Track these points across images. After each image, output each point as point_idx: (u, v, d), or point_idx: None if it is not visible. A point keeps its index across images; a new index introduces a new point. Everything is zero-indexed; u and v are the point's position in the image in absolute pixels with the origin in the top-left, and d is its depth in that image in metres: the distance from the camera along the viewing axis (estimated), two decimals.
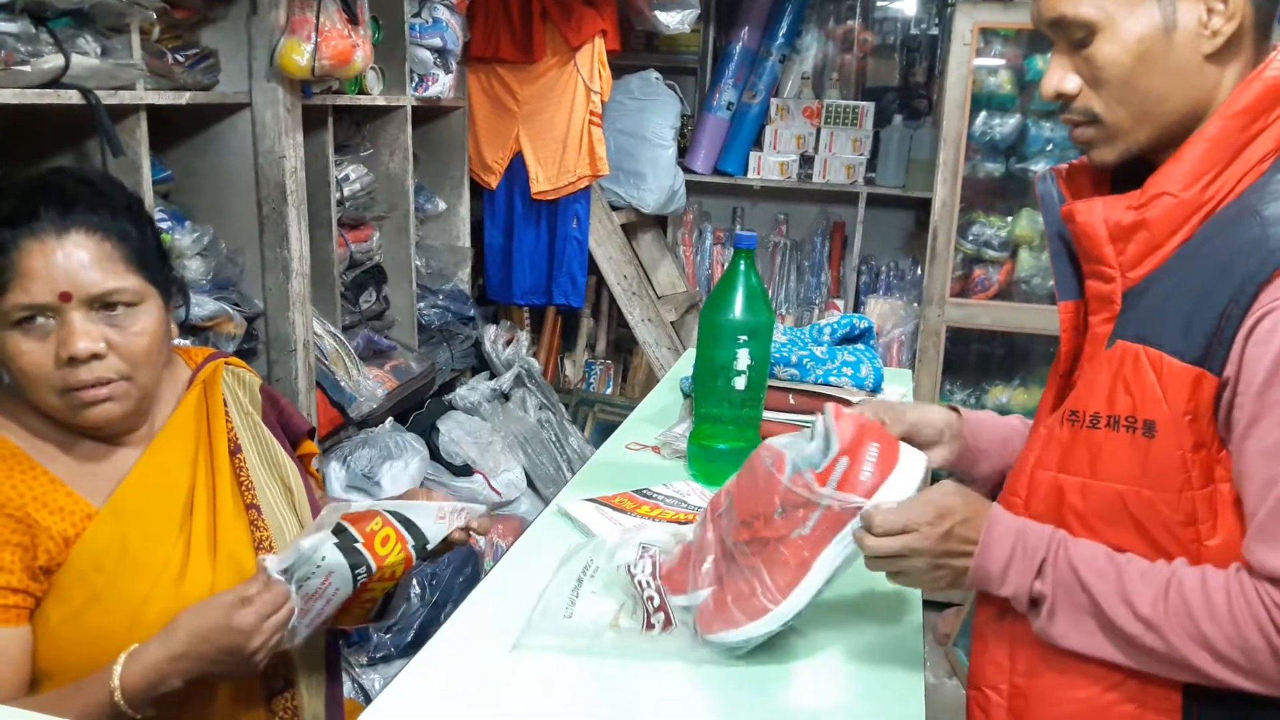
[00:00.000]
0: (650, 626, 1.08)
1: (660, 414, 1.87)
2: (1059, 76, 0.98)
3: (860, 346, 1.82)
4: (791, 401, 1.68)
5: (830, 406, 1.08)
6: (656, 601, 1.09)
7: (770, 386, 1.63)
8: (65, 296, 1.03)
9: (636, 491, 1.44)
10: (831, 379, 1.72)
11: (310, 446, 1.37)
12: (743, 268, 1.46)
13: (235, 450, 1.20)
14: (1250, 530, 0.88)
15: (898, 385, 2.01)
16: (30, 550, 1.03)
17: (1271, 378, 0.85)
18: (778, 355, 1.72)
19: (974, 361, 3.60)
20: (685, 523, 1.34)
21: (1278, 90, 0.92)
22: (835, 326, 1.84)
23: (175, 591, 1.08)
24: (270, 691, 1.18)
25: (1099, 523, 0.95)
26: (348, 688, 2.21)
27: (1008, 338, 3.52)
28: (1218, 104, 0.94)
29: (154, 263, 1.12)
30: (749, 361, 1.46)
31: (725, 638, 1.04)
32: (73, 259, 1.03)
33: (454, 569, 2.55)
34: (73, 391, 1.04)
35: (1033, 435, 1.05)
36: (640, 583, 1.11)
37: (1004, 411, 3.40)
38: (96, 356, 1.04)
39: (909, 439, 1.15)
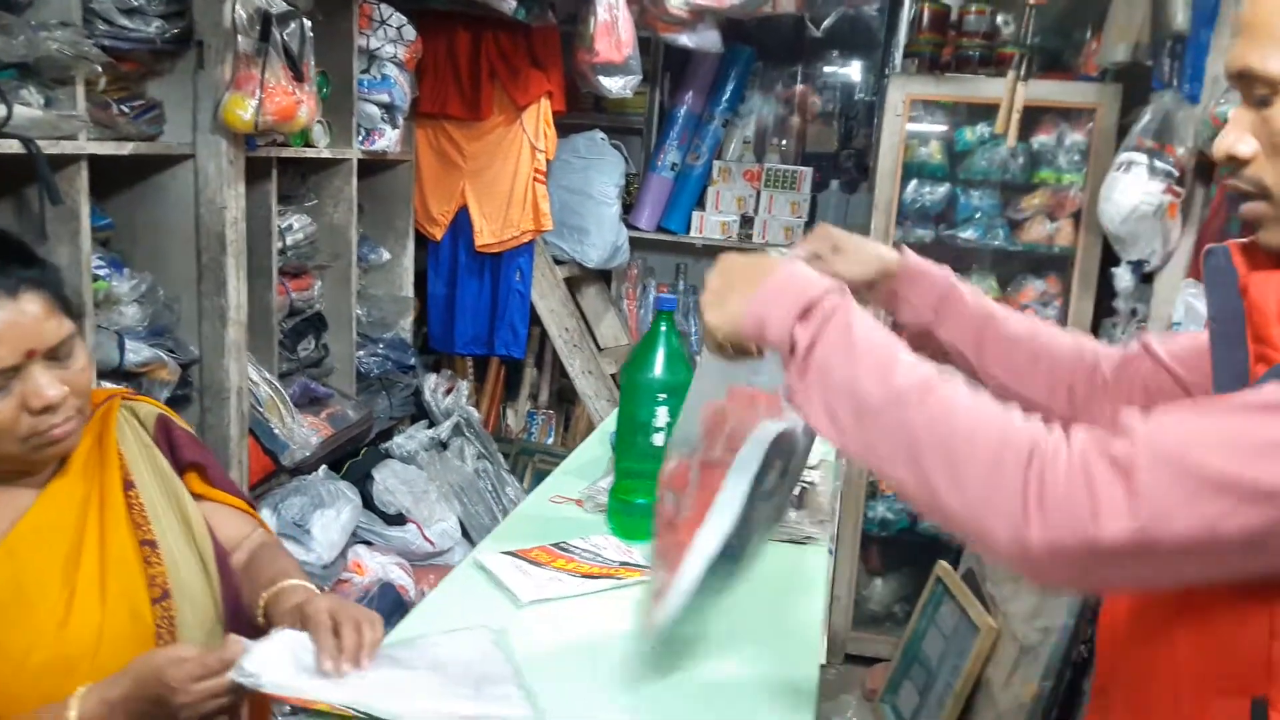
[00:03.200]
0: None
1: (588, 466, 1.91)
2: (1235, 137, 0.85)
3: None
4: None
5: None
6: None
7: None
8: (31, 354, 1.07)
9: (554, 545, 1.48)
10: None
11: (196, 483, 1.33)
12: (663, 329, 1.52)
13: (128, 486, 1.21)
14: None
15: (820, 444, 2.07)
16: None
17: None
18: None
19: None
20: (599, 576, 1.38)
21: None
22: None
23: (58, 636, 1.09)
24: None
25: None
26: None
27: None
28: None
29: (68, 301, 1.16)
30: (668, 419, 1.51)
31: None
32: (28, 316, 1.07)
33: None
34: (39, 435, 1.10)
35: None
36: None
37: None
38: (56, 404, 1.09)
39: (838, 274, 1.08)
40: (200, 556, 1.24)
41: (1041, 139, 3.18)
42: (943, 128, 3.37)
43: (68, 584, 1.12)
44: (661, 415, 1.51)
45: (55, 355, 1.10)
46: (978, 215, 3.30)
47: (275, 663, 1.00)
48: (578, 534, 1.54)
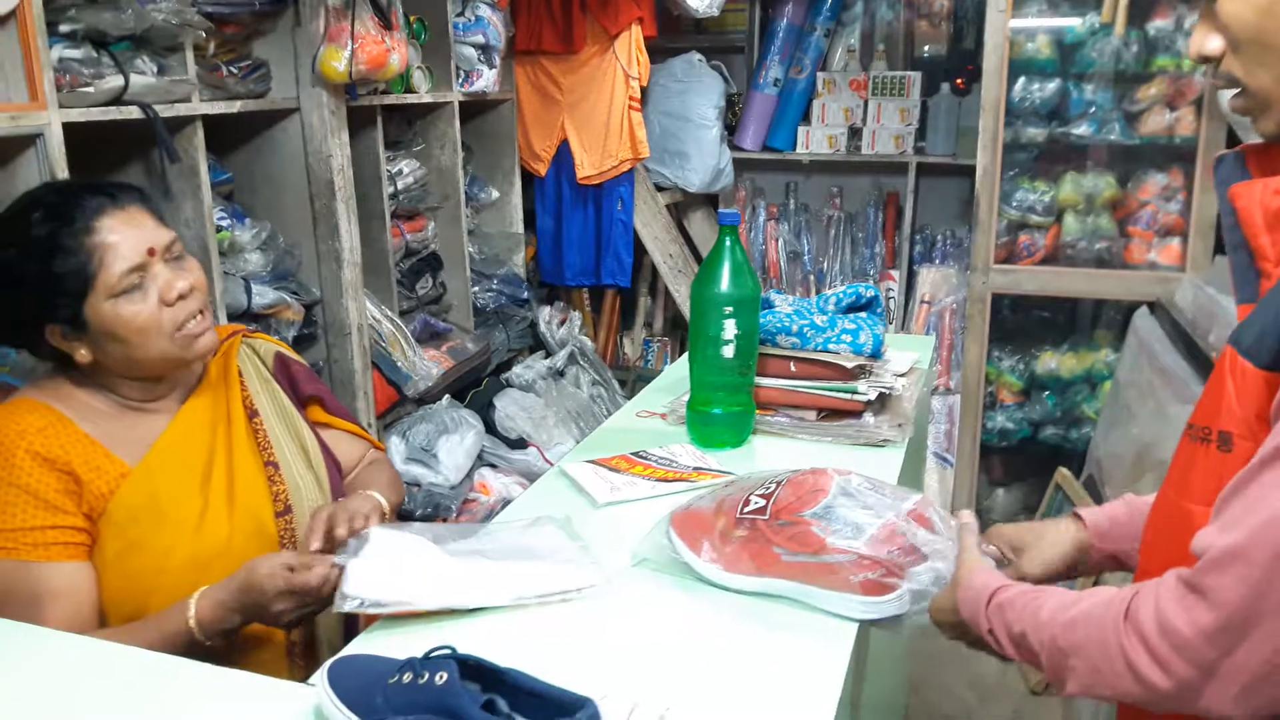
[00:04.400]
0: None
1: (676, 384, 1.98)
2: (1201, 37, 0.90)
3: (863, 315, 1.90)
4: (792, 369, 1.77)
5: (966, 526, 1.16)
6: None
7: (772, 355, 1.74)
8: (151, 251, 1.23)
9: (633, 453, 1.57)
10: (831, 346, 1.80)
11: (317, 413, 1.49)
12: (728, 244, 1.56)
13: (253, 414, 1.37)
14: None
15: (912, 351, 2.07)
16: (79, 498, 1.21)
17: None
18: (781, 325, 1.81)
19: (1024, 327, 3.60)
20: (672, 480, 1.46)
21: None
22: (840, 296, 1.92)
23: (195, 541, 1.26)
24: (289, 625, 1.34)
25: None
26: None
27: (1058, 303, 3.52)
28: None
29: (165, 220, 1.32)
30: (736, 332, 1.56)
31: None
32: (139, 224, 1.24)
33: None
34: (182, 328, 1.25)
35: None
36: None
37: (1055, 378, 3.43)
38: (187, 293, 1.24)
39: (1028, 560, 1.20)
40: (318, 478, 1.40)
41: (1158, 24, 3.01)
42: (1050, 21, 3.22)
43: (201, 497, 1.28)
44: (729, 328, 1.56)
45: (171, 254, 1.25)
46: (1092, 110, 3.16)
47: (370, 584, 1.10)
48: (657, 444, 1.62)
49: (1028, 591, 0.98)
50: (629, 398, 3.73)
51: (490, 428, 3.14)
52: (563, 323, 3.57)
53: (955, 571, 1.08)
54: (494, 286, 3.37)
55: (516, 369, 3.40)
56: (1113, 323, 3.49)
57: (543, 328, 3.55)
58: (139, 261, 1.21)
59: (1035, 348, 3.55)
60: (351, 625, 1.41)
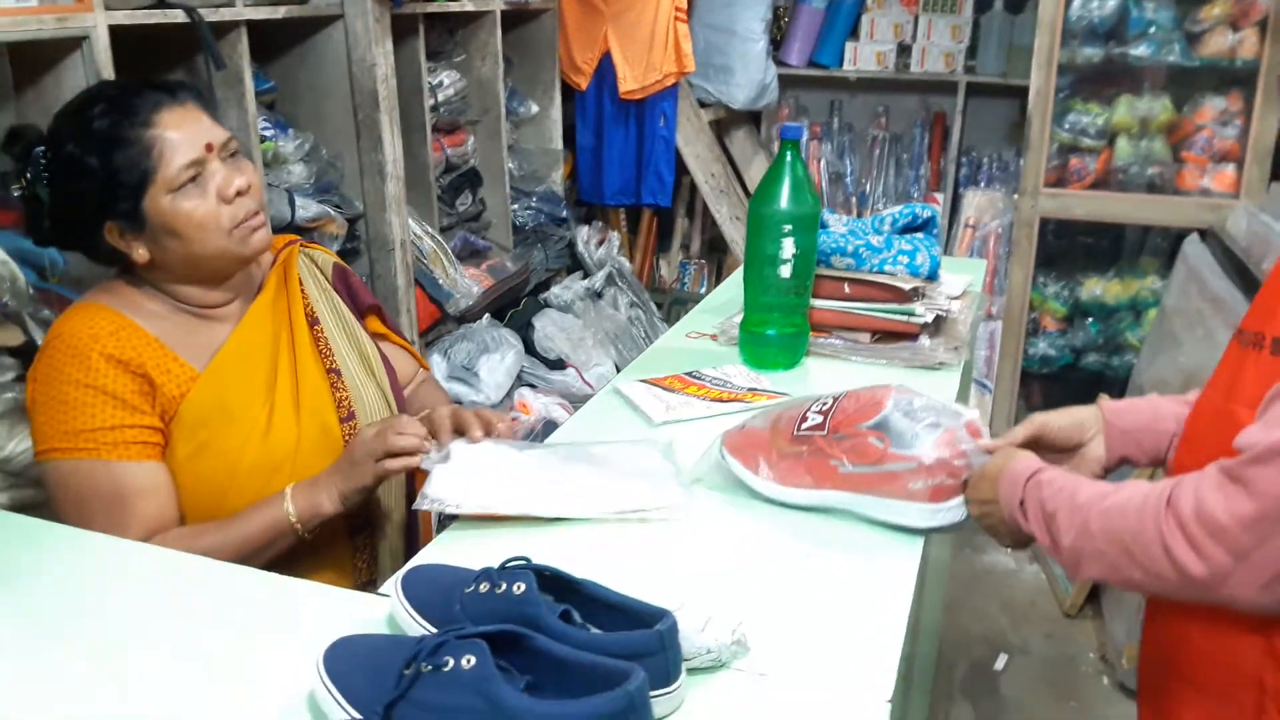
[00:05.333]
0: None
1: (725, 305, 1.96)
2: None
3: (919, 235, 1.86)
4: (847, 290, 1.74)
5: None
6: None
7: (826, 276, 1.71)
8: (209, 147, 1.22)
9: (686, 373, 1.55)
10: (886, 267, 1.77)
11: (375, 324, 1.50)
12: (789, 159, 1.52)
13: (314, 322, 1.37)
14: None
15: (965, 274, 2.04)
16: (153, 400, 1.22)
17: None
18: (835, 245, 1.77)
19: (1070, 253, 3.54)
20: (727, 400, 1.45)
21: None
22: (896, 216, 1.88)
23: (264, 444, 1.27)
24: (353, 529, 1.36)
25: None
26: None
27: (1106, 228, 3.45)
28: None
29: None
30: (794, 251, 1.53)
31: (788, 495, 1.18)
32: (197, 120, 1.23)
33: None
34: (240, 225, 1.24)
35: None
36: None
37: (1099, 305, 3.37)
38: (245, 190, 1.24)
39: (1062, 444, 1.20)
40: (379, 385, 1.40)
41: None
42: None
43: (267, 402, 1.29)
44: (787, 247, 1.53)
45: (227, 150, 1.25)
46: (1152, 30, 3.04)
47: (451, 487, 1.12)
48: (710, 364, 1.61)
49: (1068, 476, 1.03)
50: (666, 320, 3.72)
51: (529, 348, 3.14)
52: (601, 243, 3.54)
53: (997, 457, 1.10)
54: (533, 204, 3.34)
55: (555, 289, 3.38)
56: (1159, 250, 3.41)
57: (580, 248, 3.53)
58: (198, 156, 1.21)
59: (1080, 274, 3.49)
60: (412, 540, 1.43)
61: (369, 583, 1.38)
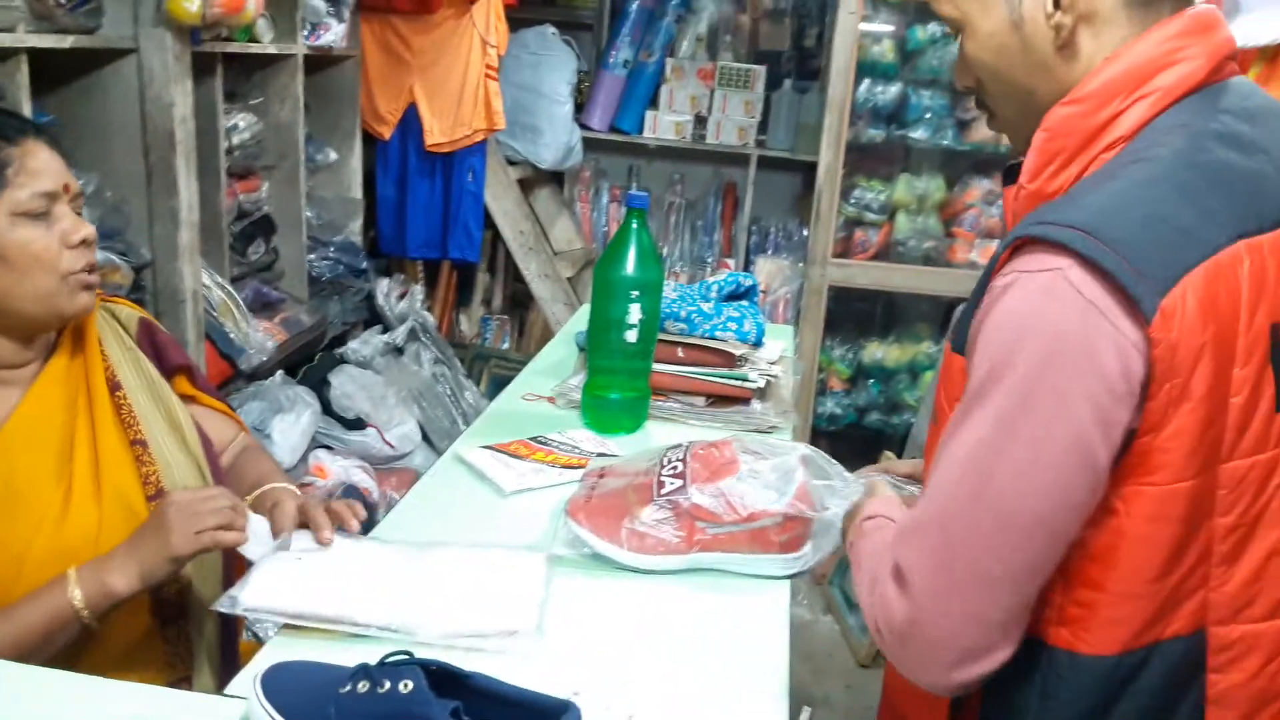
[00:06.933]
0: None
1: (555, 367, 1.94)
2: (959, 73, 1.01)
3: (745, 303, 1.91)
4: (680, 354, 1.76)
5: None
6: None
7: (660, 340, 1.72)
8: (66, 188, 1.16)
9: (531, 439, 1.51)
10: (718, 333, 1.81)
11: (184, 385, 1.35)
12: (635, 226, 1.53)
13: (115, 388, 1.22)
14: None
15: (779, 340, 2.11)
16: None
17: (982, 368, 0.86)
18: (668, 310, 1.79)
19: (854, 319, 3.77)
20: (578, 467, 1.41)
21: (1132, 76, 0.88)
22: (722, 284, 1.93)
23: (57, 533, 1.11)
24: (163, 620, 1.21)
25: None
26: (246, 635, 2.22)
27: (885, 296, 3.70)
28: None
29: None
30: (640, 316, 1.53)
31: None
32: (58, 161, 1.17)
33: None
34: (74, 275, 1.14)
35: None
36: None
37: (880, 367, 3.60)
38: (90, 242, 1.16)
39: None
40: (193, 457, 1.26)
41: None
42: (895, 26, 3.36)
43: (62, 481, 1.14)
44: (634, 312, 1.53)
45: (78, 204, 1.19)
46: (928, 115, 3.32)
47: (267, 590, 1.01)
48: (552, 428, 1.57)
49: (891, 520, 1.04)
50: (470, 376, 3.64)
51: (325, 407, 2.97)
52: (403, 296, 3.43)
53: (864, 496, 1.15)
54: (330, 254, 3.18)
55: (353, 344, 3.23)
56: (933, 317, 3.70)
57: (380, 300, 3.40)
58: (53, 189, 1.14)
59: (863, 338, 3.72)
60: (230, 633, 1.30)
61: (182, 679, 1.23)
